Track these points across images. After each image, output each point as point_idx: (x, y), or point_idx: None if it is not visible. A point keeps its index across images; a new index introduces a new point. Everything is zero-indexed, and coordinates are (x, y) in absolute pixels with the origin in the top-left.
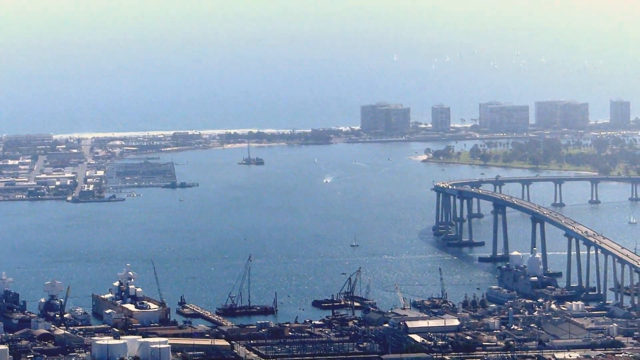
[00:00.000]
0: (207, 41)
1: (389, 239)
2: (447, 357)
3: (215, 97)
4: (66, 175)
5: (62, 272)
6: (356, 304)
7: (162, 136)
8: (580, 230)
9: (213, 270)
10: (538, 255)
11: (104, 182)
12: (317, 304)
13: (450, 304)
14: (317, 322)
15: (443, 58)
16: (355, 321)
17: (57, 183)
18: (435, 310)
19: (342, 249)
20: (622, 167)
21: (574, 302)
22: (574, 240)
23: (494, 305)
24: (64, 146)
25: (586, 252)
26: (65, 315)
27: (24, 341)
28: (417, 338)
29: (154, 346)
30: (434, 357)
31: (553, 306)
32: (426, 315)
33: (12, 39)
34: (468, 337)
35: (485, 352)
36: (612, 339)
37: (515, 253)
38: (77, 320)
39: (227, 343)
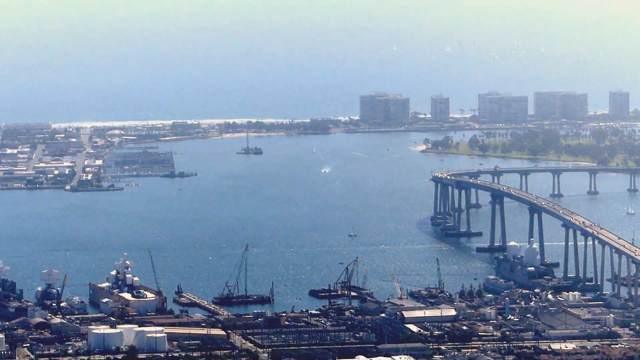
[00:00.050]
0: (206, 31)
1: (387, 229)
2: (443, 347)
3: (214, 87)
4: (65, 164)
5: (59, 261)
6: (353, 293)
7: (161, 126)
8: (578, 221)
9: (210, 260)
10: (535, 245)
11: (102, 171)
12: (314, 293)
13: (447, 294)
14: (313, 312)
15: (443, 48)
16: (352, 311)
17: (56, 172)
18: (432, 300)
19: (340, 239)
20: (620, 158)
21: (570, 292)
22: (571, 230)
23: (490, 295)
24: (62, 135)
25: (583, 243)
26: (61, 304)
27: (20, 330)
28: (413, 328)
29: (150, 335)
30: (430, 347)
31: (550, 296)
32: (423, 305)
33: (12, 28)
34: (464, 327)
35: (482, 342)
36: (608, 329)
37: (512, 243)
38: (74, 309)
39: (223, 332)
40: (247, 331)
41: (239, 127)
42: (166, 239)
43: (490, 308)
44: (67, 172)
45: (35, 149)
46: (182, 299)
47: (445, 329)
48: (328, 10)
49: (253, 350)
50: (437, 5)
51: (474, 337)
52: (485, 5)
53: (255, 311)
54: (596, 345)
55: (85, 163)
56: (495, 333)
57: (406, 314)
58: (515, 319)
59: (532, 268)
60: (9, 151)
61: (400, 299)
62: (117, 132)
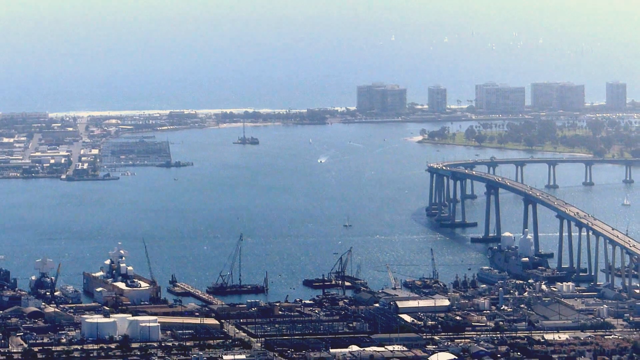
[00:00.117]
0: (204, 21)
1: (382, 219)
2: (436, 337)
3: (211, 77)
4: (61, 153)
5: (53, 250)
6: (347, 283)
7: (158, 115)
8: (572, 212)
9: (205, 249)
10: (530, 236)
11: (98, 160)
12: (308, 283)
13: (441, 284)
14: (307, 302)
15: (441, 39)
16: (346, 301)
17: (52, 161)
18: (426, 291)
19: (335, 229)
20: (616, 149)
21: (564, 283)
22: (565, 221)
23: (484, 285)
24: (59, 124)
25: (578, 234)
26: (55, 293)
27: (13, 319)
28: (407, 318)
29: (143, 324)
30: (424, 337)
31: (543, 287)
32: (416, 296)
33: (8, 17)
34: (458, 318)
35: (475, 333)
36: (602, 320)
37: (506, 234)
38: (68, 298)
39: (216, 322)
40: (241, 321)
41: (235, 117)
42: (161, 229)
43: (484, 298)
44: (63, 161)
45: (31, 138)
46: (176, 288)
47: (439, 319)
48: (326, 0)
49: (246, 339)
50: None
51: (467, 327)
52: None
53: (249, 301)
54: (589, 336)
55: (82, 152)
56: (488, 323)
57: (400, 304)
58: (509, 310)
59: (526, 259)
60: (5, 140)
61: (394, 289)
62: (113, 121)
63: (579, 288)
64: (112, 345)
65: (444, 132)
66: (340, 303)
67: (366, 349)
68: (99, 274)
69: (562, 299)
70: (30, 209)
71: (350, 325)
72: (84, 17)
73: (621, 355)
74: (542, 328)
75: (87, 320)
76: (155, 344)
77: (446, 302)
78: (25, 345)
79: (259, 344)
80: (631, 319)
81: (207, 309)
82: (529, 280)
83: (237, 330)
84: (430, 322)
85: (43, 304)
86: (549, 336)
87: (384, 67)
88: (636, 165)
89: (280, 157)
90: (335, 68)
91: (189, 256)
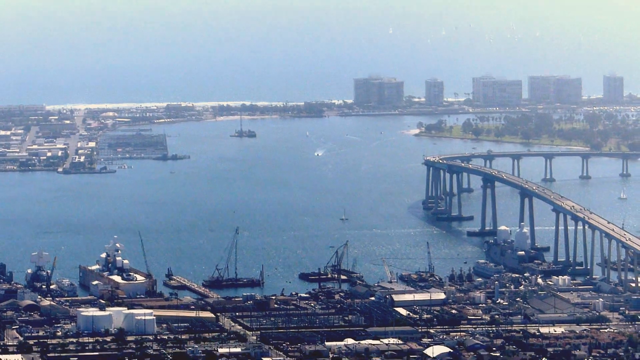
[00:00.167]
0: (201, 14)
1: (379, 213)
2: (432, 330)
3: (208, 69)
4: (58, 146)
5: (50, 244)
6: (343, 277)
7: (155, 108)
8: (568, 206)
9: (201, 243)
10: (526, 230)
11: (95, 153)
12: (304, 276)
13: (437, 277)
14: (303, 295)
15: (439, 32)
16: (342, 294)
17: (49, 154)
18: (422, 284)
19: (332, 223)
20: (613, 143)
21: (560, 276)
22: (561, 215)
23: (480, 279)
24: (56, 117)
25: (574, 227)
26: (51, 286)
27: (9, 312)
28: (402, 311)
29: (138, 318)
30: (419, 330)
31: (539, 280)
32: (412, 289)
33: (5, 10)
34: (453, 311)
35: (471, 326)
36: (597, 314)
37: (503, 227)
38: (64, 291)
39: (212, 315)
40: (236, 314)
41: (232, 110)
42: (157, 222)
43: (480, 292)
44: (59, 154)
45: (28, 131)
46: (172, 281)
47: (435, 312)
48: None
49: (242, 332)
50: None
51: (463, 320)
52: None
53: (244, 294)
54: (585, 330)
55: (78, 145)
56: (484, 317)
57: (396, 298)
58: (505, 303)
59: (523, 252)
60: (2, 133)
61: (390, 282)
62: (111, 114)
63: (574, 282)
64: (108, 339)
65: (441, 125)
66: (336, 296)
67: (361, 342)
68: (95, 267)
69: (557, 293)
70: (26, 202)
71: (346, 318)
72: (81, 10)
73: (616, 348)
74: (537, 321)
75: (82, 313)
76: (150, 337)
77: (442, 296)
78: (21, 339)
79: (255, 337)
80: (627, 312)
81: (202, 302)
82: (525, 274)
83: (233, 324)
84: (425, 316)
85: (39, 297)
86: (544, 329)
87: (381, 59)
88: (633, 159)
89: (277, 150)
90: (332, 61)
91: (185, 249)
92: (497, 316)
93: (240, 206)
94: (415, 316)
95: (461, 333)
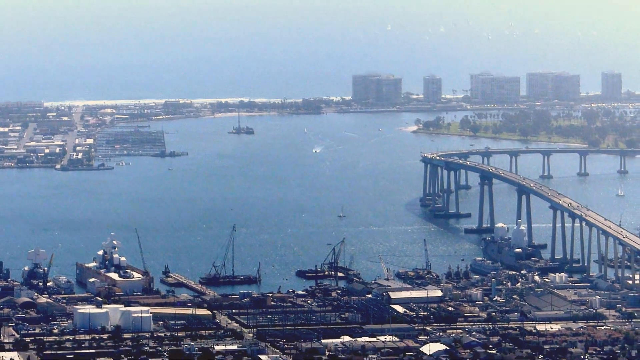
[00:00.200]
0: (199, 10)
1: (376, 210)
2: (428, 328)
3: (207, 66)
4: (55, 143)
5: (47, 241)
6: (340, 274)
7: (154, 104)
8: (565, 203)
9: (198, 240)
10: (523, 227)
11: (93, 150)
12: (301, 274)
13: (434, 275)
14: (300, 292)
15: (437, 28)
16: (339, 291)
17: (46, 151)
18: (419, 282)
19: (329, 220)
20: (611, 139)
21: (557, 274)
22: (559, 212)
23: (477, 276)
24: (54, 114)
25: (571, 225)
26: (48, 284)
27: (6, 309)
28: (399, 309)
29: (135, 315)
30: (416, 327)
31: (536, 278)
32: (409, 286)
33: (4, 7)
34: (450, 308)
35: (467, 323)
36: (594, 311)
37: (500, 225)
38: (61, 288)
39: (209, 312)
40: (233, 311)
41: (231, 107)
42: (155, 219)
43: (477, 289)
44: (57, 151)
45: (26, 128)
46: (169, 279)
47: (431, 309)
48: None
49: (238, 330)
50: None
51: (459, 318)
52: None
53: (241, 291)
54: (582, 327)
55: (76, 142)
56: (481, 314)
57: (392, 295)
58: (502, 300)
59: (520, 249)
60: (0, 129)
61: (387, 279)
62: (109, 110)
63: (571, 279)
64: (104, 336)
65: (439, 122)
66: (333, 294)
67: (358, 339)
68: (92, 264)
69: (554, 290)
70: (24, 199)
71: (343, 316)
72: (79, 7)
73: (613, 346)
74: (534, 319)
75: (79, 310)
76: (147, 335)
77: (439, 293)
78: (17, 336)
79: (251, 335)
80: (623, 309)
81: (199, 299)
82: (522, 271)
83: (230, 321)
84: (422, 313)
85: (35, 294)
86: (541, 327)
87: (380, 56)
88: (631, 156)
89: (275, 147)
90: (331, 57)
91: (182, 247)
92: (493, 313)
93: (238, 203)
94: (411, 313)
95: (458, 330)
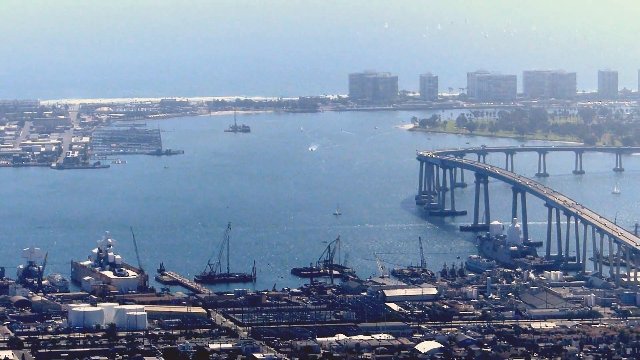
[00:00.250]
0: (195, 9)
1: (372, 208)
2: (423, 325)
3: (203, 64)
4: (51, 141)
5: (42, 239)
6: (335, 272)
7: (150, 103)
8: (560, 200)
9: (194, 238)
10: (518, 225)
11: (89, 148)
12: (296, 272)
13: (430, 272)
14: (295, 290)
15: (434, 26)
16: (334, 289)
17: (42, 149)
18: (414, 279)
19: (325, 218)
20: (607, 137)
21: (552, 271)
22: (554, 210)
23: (472, 274)
24: (50, 112)
25: (566, 222)
26: (43, 282)
27: (0, 307)
28: (394, 307)
29: (130, 313)
30: (411, 325)
31: (531, 275)
32: (404, 284)
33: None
34: (445, 306)
35: (462, 321)
36: (589, 309)
37: (495, 222)
38: (55, 286)
39: (204, 310)
40: (228, 309)
41: (227, 105)
42: (150, 217)
43: (472, 287)
44: (53, 149)
45: (22, 126)
46: (164, 277)
47: (426, 307)
48: None
49: (233, 328)
50: None
51: (454, 316)
52: None
53: (236, 289)
54: (576, 325)
55: (72, 140)
56: (476, 312)
57: (387, 293)
58: (497, 298)
59: (515, 247)
60: None
61: (382, 277)
62: (105, 109)
63: (567, 277)
64: (99, 334)
65: (435, 120)
66: (328, 292)
67: (352, 337)
68: (87, 262)
69: (549, 288)
70: (20, 198)
71: (337, 314)
72: (76, 5)
73: (608, 343)
74: (529, 317)
75: (73, 309)
76: (141, 333)
77: (434, 291)
78: (12, 334)
79: (246, 333)
80: (619, 307)
81: (194, 297)
82: (517, 269)
83: (224, 319)
84: (417, 311)
85: (30, 292)
86: (535, 325)
87: (377, 54)
88: (627, 154)
89: (271, 145)
90: (327, 56)
91: (177, 245)
92: (488, 311)
93: (234, 201)
94: (406, 311)
95: (453, 328)
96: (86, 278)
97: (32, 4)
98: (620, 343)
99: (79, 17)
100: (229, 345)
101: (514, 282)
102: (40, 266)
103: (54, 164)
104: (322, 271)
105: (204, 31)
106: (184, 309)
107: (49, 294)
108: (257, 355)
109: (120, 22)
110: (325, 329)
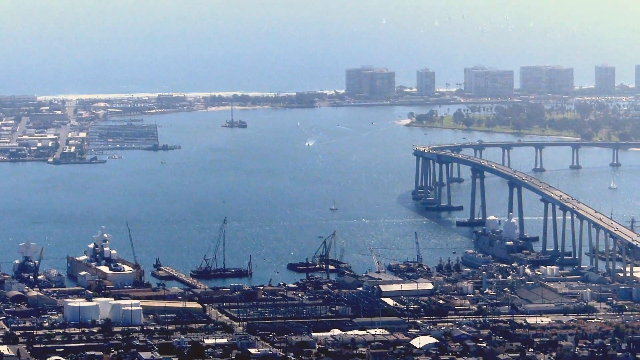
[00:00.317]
0: (192, 4)
1: (368, 203)
2: (419, 320)
3: (200, 60)
4: (48, 136)
5: (38, 234)
6: (331, 267)
7: (147, 98)
8: (556, 195)
9: (190, 233)
10: (514, 219)
11: (86, 143)
12: (292, 267)
13: (426, 267)
14: (291, 285)
15: (432, 22)
16: (329, 284)
17: (39, 144)
18: (410, 274)
19: (321, 213)
20: (604, 133)
21: (548, 266)
22: (550, 205)
23: (468, 269)
24: (47, 107)
25: (562, 217)
26: (39, 277)
27: None
28: (389, 302)
29: (125, 308)
30: (406, 320)
31: (527, 270)
32: (400, 279)
33: None
34: (441, 301)
35: (458, 316)
36: (585, 304)
37: (491, 217)
38: (51, 282)
39: (199, 305)
40: (224, 304)
41: (224, 100)
42: (147, 212)
43: (468, 282)
44: (50, 144)
45: (19, 121)
46: (160, 272)
47: (422, 302)
48: None
49: (228, 323)
50: None
51: (450, 311)
52: None
53: (232, 284)
54: (572, 320)
55: (69, 135)
56: (471, 307)
57: (383, 288)
58: (492, 293)
59: (511, 242)
60: None
61: (378, 272)
62: (102, 104)
63: (562, 271)
64: (94, 329)
65: (432, 115)
66: (324, 287)
67: (348, 332)
68: (83, 257)
69: (545, 283)
70: (16, 193)
71: (333, 309)
72: (74, 1)
73: (603, 339)
74: (524, 312)
75: (69, 304)
76: (137, 328)
77: (429, 286)
78: (7, 329)
79: (241, 328)
80: (614, 302)
81: (190, 292)
82: (513, 264)
83: (220, 314)
84: (413, 306)
85: (26, 287)
86: (531, 320)
87: (374, 50)
88: (623, 149)
89: (268, 141)
90: (324, 51)
91: (173, 240)
92: (484, 306)
93: (230, 196)
94: (402, 306)
95: (448, 323)
96: (82, 273)
97: (29, 0)
98: (616, 338)
99: (76, 13)
100: (224, 341)
101: (509, 277)
102: (36, 261)
103: (50, 159)
104: (318, 266)
105: (201, 27)
106: (179, 304)
107: (44, 289)
108: (252, 351)
109: (118, 18)
110: (321, 324)
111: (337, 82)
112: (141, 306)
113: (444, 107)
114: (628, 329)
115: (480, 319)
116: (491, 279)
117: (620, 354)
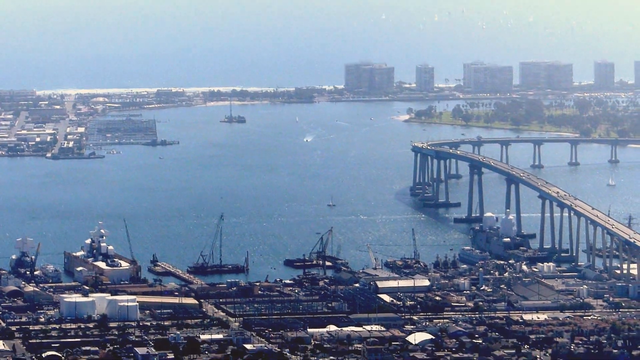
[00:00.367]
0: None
1: (366, 199)
2: (415, 317)
3: (199, 55)
4: (47, 131)
5: (35, 229)
6: (328, 263)
7: (146, 93)
8: (554, 192)
9: (187, 229)
10: (511, 216)
11: (84, 138)
12: (289, 263)
13: (422, 264)
14: (287, 282)
15: (431, 17)
16: (326, 280)
17: (37, 139)
18: (407, 271)
19: (319, 209)
20: (603, 129)
21: (545, 263)
22: (547, 202)
23: (465, 266)
24: (46, 102)
25: (559, 214)
26: (36, 272)
27: None
28: (386, 298)
29: (121, 304)
30: (402, 317)
31: (524, 267)
32: (397, 276)
33: None
34: (437, 298)
35: (454, 313)
36: (581, 301)
37: (488, 214)
38: (48, 277)
39: (195, 301)
40: (220, 300)
41: (223, 96)
42: (144, 208)
43: (464, 279)
44: (48, 139)
45: (18, 116)
46: (157, 268)
47: (418, 299)
48: None
49: (225, 319)
50: None
51: (446, 307)
52: None
53: (229, 280)
54: (568, 317)
55: (68, 130)
56: (468, 303)
57: (380, 284)
58: (489, 290)
59: (508, 239)
60: None
61: (375, 269)
62: (101, 99)
63: (559, 268)
64: (90, 325)
65: (431, 111)
66: (321, 283)
67: (344, 328)
68: (80, 253)
69: (542, 279)
70: (14, 188)
71: (329, 305)
72: None
73: (599, 335)
74: (521, 308)
75: (65, 299)
76: (133, 324)
77: (426, 282)
78: (3, 325)
79: (237, 324)
80: (611, 299)
81: (186, 288)
82: (510, 261)
83: (216, 310)
84: (409, 302)
85: (23, 283)
86: (527, 316)
87: (374, 45)
88: (622, 145)
89: (267, 136)
90: (323, 46)
91: (171, 235)
92: (480, 303)
93: (228, 192)
94: (399, 303)
95: (444, 320)
96: (79, 269)
97: None
98: (612, 335)
99: (75, 7)
100: (220, 336)
101: (506, 274)
102: (33, 257)
103: (49, 154)
104: (314, 262)
105: (200, 22)
106: (175, 300)
107: (41, 285)
108: (248, 346)
109: (117, 13)
110: (317, 320)
111: (336, 77)
112: (137, 302)
113: (442, 103)
114: (624, 326)
115: (477, 315)
116: (488, 276)
117: (616, 351)
